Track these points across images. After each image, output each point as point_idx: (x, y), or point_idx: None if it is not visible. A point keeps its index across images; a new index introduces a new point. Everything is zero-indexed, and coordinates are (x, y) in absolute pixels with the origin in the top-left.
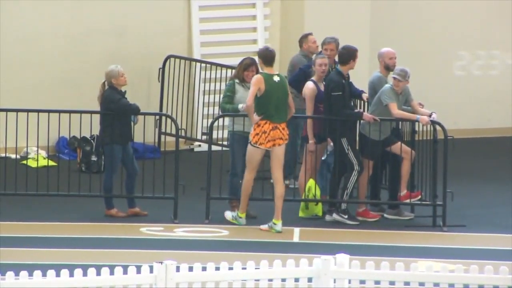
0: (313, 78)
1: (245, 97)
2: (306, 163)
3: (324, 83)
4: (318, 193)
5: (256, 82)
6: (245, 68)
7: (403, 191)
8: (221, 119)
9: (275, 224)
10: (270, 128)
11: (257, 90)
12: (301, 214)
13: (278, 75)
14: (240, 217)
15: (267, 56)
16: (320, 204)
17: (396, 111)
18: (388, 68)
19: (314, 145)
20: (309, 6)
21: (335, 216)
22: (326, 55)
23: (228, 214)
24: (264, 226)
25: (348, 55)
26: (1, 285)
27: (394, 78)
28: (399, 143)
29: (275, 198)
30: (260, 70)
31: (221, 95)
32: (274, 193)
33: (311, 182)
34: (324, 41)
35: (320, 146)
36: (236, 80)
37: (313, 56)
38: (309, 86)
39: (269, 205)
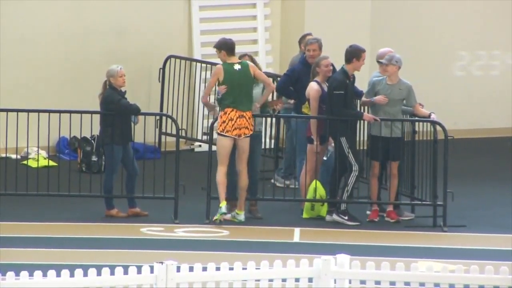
0: (316, 79)
1: None
2: (307, 164)
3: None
4: (324, 193)
5: (214, 73)
6: None
7: (389, 207)
8: None
9: (238, 214)
10: (237, 116)
11: (215, 82)
12: (305, 215)
13: (239, 63)
14: (220, 207)
15: (228, 45)
16: (325, 205)
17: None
18: None
19: (320, 146)
20: (309, 6)
21: (335, 216)
22: (309, 55)
23: (228, 216)
24: (228, 216)
25: (351, 53)
26: (2, 285)
27: (380, 62)
28: (398, 162)
29: (239, 189)
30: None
31: None
32: (238, 185)
33: (316, 183)
34: (307, 41)
35: (322, 147)
36: None
37: (317, 59)
38: (313, 87)
39: (269, 205)
